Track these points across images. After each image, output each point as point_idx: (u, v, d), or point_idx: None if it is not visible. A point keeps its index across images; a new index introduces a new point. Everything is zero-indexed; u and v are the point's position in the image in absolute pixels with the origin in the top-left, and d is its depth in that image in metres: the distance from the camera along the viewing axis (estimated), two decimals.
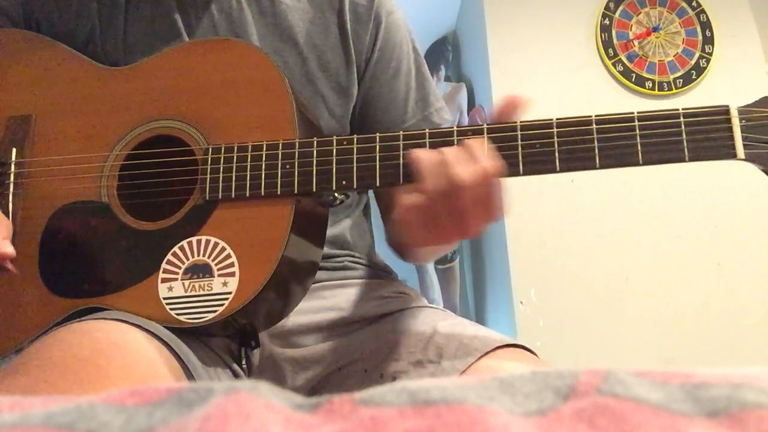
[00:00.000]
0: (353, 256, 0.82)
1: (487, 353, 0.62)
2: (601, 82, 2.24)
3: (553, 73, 2.25)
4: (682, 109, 0.60)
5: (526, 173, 0.61)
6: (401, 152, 0.62)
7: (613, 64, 2.23)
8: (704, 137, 0.59)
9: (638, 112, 0.60)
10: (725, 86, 2.23)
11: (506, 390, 0.23)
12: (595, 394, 0.22)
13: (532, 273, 2.08)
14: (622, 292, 2.06)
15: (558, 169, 0.60)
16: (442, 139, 0.62)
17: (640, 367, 0.25)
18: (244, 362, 0.69)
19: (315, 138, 0.65)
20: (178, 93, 0.70)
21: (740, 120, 0.58)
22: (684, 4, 2.28)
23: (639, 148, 0.59)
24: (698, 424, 0.21)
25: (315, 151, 0.64)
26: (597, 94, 2.23)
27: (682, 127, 0.59)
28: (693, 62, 2.24)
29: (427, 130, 0.63)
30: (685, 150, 0.59)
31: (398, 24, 0.85)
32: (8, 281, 0.67)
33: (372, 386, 0.70)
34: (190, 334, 0.63)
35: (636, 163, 0.59)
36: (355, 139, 0.64)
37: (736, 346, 2.00)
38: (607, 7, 2.27)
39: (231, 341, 0.70)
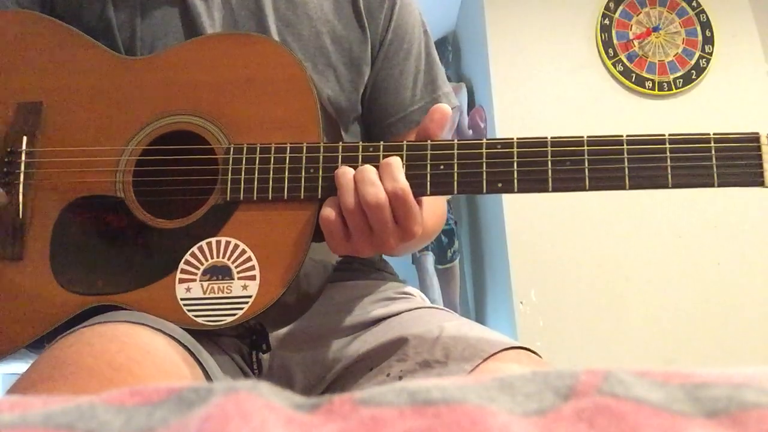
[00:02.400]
0: (360, 258, 0.82)
1: (494, 355, 0.63)
2: (601, 82, 2.24)
3: (553, 73, 2.25)
4: (713, 133, 0.59)
5: (555, 190, 0.60)
6: (429, 162, 0.62)
7: (613, 64, 2.23)
8: (733, 163, 0.59)
9: (669, 134, 0.60)
10: (725, 86, 2.23)
11: (506, 390, 0.23)
12: (595, 394, 0.22)
13: (532, 273, 2.08)
14: (622, 292, 2.06)
15: (587, 188, 0.60)
16: (469, 150, 0.62)
17: (640, 367, 0.25)
18: (255, 365, 0.69)
19: (340, 143, 0.64)
20: (198, 88, 0.68)
21: None
22: (684, 4, 2.28)
23: (669, 171, 0.59)
24: (698, 424, 0.21)
25: (340, 157, 0.63)
26: (597, 94, 2.23)
27: (713, 152, 0.59)
28: (693, 62, 2.24)
29: (455, 141, 0.62)
30: (714, 175, 0.59)
31: (411, 8, 0.86)
32: (18, 274, 0.65)
33: (377, 385, 0.70)
34: (203, 334, 0.63)
35: (665, 186, 0.59)
36: (381, 146, 0.63)
37: (736, 346, 2.00)
38: (607, 7, 2.27)
39: (241, 343, 0.70)
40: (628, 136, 0.60)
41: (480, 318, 2.52)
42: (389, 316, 0.74)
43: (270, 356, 0.71)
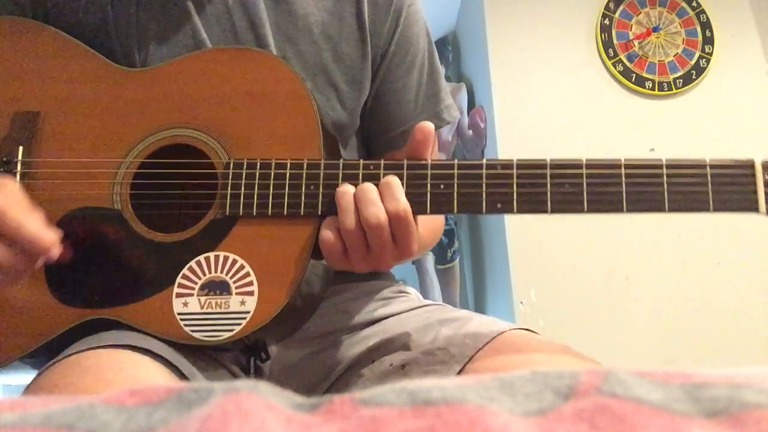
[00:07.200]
0: None
1: (494, 338, 0.63)
2: (601, 82, 2.24)
3: (553, 73, 2.25)
4: (709, 159, 0.60)
5: (554, 212, 0.62)
6: (429, 181, 0.61)
7: (613, 64, 2.23)
8: (728, 189, 0.60)
9: (666, 160, 0.60)
10: (725, 86, 2.23)
11: (506, 390, 0.23)
12: (596, 394, 0.22)
13: (532, 273, 2.08)
14: (622, 292, 2.06)
15: (586, 210, 0.61)
16: (469, 171, 0.61)
17: (640, 367, 0.25)
18: (253, 372, 0.68)
19: (341, 160, 0.63)
20: (199, 101, 0.67)
21: (764, 174, 0.59)
22: (684, 4, 2.28)
23: (666, 196, 0.60)
24: (698, 424, 0.21)
25: (341, 174, 0.62)
26: (597, 94, 2.23)
27: (708, 177, 0.60)
28: (693, 62, 2.24)
29: (456, 161, 0.62)
30: (710, 201, 0.60)
31: (417, 17, 0.83)
32: (14, 287, 0.64)
33: (381, 375, 0.70)
34: (200, 349, 0.62)
35: (662, 210, 0.60)
36: (382, 164, 0.62)
37: (736, 346, 2.00)
38: (607, 7, 2.27)
39: (240, 353, 0.69)
40: (626, 159, 0.61)
41: None
42: (389, 316, 0.74)
43: (270, 361, 0.71)
